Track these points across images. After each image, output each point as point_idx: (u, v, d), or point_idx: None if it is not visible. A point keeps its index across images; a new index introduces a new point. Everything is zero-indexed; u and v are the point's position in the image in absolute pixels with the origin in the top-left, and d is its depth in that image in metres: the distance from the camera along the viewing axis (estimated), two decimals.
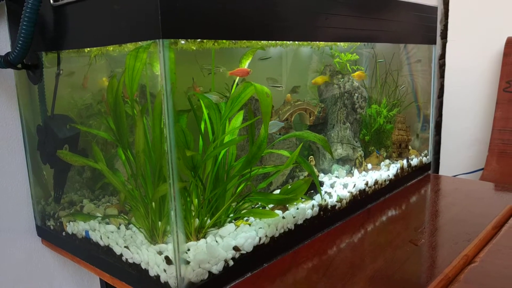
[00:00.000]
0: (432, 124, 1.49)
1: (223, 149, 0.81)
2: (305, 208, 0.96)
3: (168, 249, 0.71)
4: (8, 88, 0.96)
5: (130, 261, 0.77)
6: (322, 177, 1.19)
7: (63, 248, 0.96)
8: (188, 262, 0.71)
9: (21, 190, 1.00)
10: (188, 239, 0.79)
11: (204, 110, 0.84)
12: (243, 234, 0.82)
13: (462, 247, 0.91)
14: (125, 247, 0.78)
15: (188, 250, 0.74)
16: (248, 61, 0.98)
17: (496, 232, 0.99)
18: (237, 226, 0.85)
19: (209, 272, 0.74)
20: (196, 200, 0.81)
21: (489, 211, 1.11)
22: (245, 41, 0.74)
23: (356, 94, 1.26)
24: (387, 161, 1.36)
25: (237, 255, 0.79)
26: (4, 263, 0.98)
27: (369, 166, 1.29)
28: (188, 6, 0.63)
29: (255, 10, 0.73)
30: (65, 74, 0.86)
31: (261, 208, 0.91)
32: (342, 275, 0.82)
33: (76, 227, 0.90)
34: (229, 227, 0.83)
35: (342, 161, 1.26)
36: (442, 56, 2.29)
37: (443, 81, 2.31)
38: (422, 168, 1.45)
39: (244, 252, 0.80)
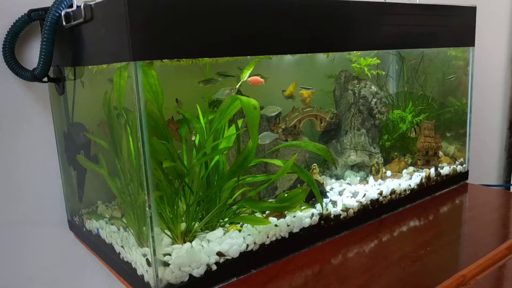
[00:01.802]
0: (468, 130, 1.39)
1: (206, 159, 0.85)
2: (303, 216, 0.97)
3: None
4: (43, 97, 1.09)
5: (125, 259, 0.85)
6: (332, 183, 1.19)
7: (84, 242, 1.07)
8: (168, 265, 0.77)
9: (55, 188, 1.13)
10: (174, 242, 0.85)
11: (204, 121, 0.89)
12: (229, 240, 0.85)
13: (464, 266, 0.86)
14: (121, 246, 0.86)
15: (171, 253, 0.80)
16: (249, 71, 1.01)
17: (510, 253, 0.92)
18: (226, 231, 0.89)
19: (190, 275, 0.79)
20: (185, 205, 0.86)
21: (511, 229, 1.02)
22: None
23: (375, 100, 1.22)
24: (411, 168, 1.30)
25: (221, 260, 0.83)
26: (41, 252, 1.11)
27: (388, 173, 1.25)
28: (159, 28, 0.68)
29: (232, 27, 0.76)
30: (79, 87, 0.96)
31: (254, 215, 0.94)
32: (327, 285, 0.83)
33: (92, 225, 1.00)
34: (217, 232, 0.87)
35: (358, 167, 1.23)
36: None
37: None
38: (456, 177, 1.37)
39: (230, 257, 0.84)
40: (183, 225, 0.86)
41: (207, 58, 0.76)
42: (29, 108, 1.07)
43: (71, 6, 0.88)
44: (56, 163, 1.13)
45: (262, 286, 0.84)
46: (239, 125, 0.95)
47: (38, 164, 1.09)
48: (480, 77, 2.06)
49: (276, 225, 0.92)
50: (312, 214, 0.99)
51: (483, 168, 2.26)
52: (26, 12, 0.99)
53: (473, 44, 1.32)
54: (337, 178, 1.24)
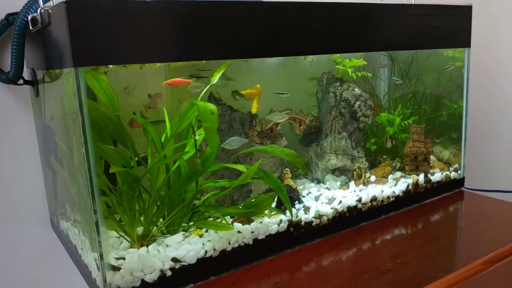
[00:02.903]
0: (464, 135, 1.32)
1: (161, 165, 0.84)
2: (270, 223, 0.95)
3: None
4: (26, 98, 1.11)
5: (84, 262, 0.86)
6: (311, 187, 1.16)
7: (60, 241, 1.09)
8: (118, 269, 0.77)
9: (39, 187, 1.15)
10: (132, 245, 0.84)
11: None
12: (186, 246, 0.84)
13: (431, 281, 0.82)
14: (81, 249, 0.87)
15: (125, 257, 0.80)
16: (219, 74, 0.99)
17: (486, 268, 0.87)
18: (187, 236, 0.88)
19: (142, 280, 0.79)
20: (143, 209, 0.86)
21: (496, 242, 0.96)
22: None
23: (358, 102, 1.18)
24: (398, 174, 1.25)
25: (177, 266, 0.82)
26: (25, 250, 1.14)
27: (373, 178, 1.21)
28: (100, 34, 0.67)
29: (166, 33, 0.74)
30: (47, 90, 0.97)
31: (218, 220, 0.93)
32: None
33: (63, 225, 1.02)
34: (176, 237, 0.87)
35: (340, 171, 1.20)
36: None
37: None
38: (449, 184, 1.31)
39: (186, 263, 0.83)
40: (141, 229, 0.85)
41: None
42: (12, 109, 1.09)
43: None
44: (38, 163, 1.15)
45: None
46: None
47: (21, 163, 1.12)
48: (503, 76, 1.95)
49: (239, 232, 0.90)
50: (281, 221, 0.96)
51: (504, 172, 2.15)
52: (4, 17, 1.01)
53: (468, 45, 1.26)
54: (319, 182, 1.21)
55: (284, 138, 1.18)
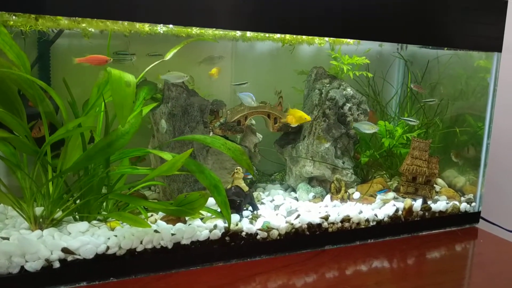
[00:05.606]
0: (484, 159, 1.07)
1: (63, 137, 0.73)
2: (199, 227, 0.80)
3: None
4: None
5: None
6: (277, 194, 0.99)
7: None
8: None
9: None
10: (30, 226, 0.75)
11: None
12: (84, 237, 0.72)
13: None
14: None
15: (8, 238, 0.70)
16: (175, 50, 0.87)
17: None
18: (92, 226, 0.76)
19: (22, 268, 0.68)
20: (52, 188, 0.76)
21: None
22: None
23: (349, 104, 0.98)
24: (391, 194, 1.03)
25: (69, 258, 0.71)
26: None
27: (357, 195, 1.01)
28: None
29: None
30: None
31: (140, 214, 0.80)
32: None
33: None
34: (81, 225, 0.75)
35: (318, 181, 1.01)
36: None
37: None
38: (458, 217, 1.07)
39: (81, 257, 0.71)
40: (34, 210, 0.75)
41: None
42: None
43: None
44: None
45: None
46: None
47: None
48: None
49: (156, 231, 0.77)
50: (215, 226, 0.81)
51: None
52: None
53: (498, 50, 1.01)
54: (293, 190, 1.03)
55: (257, 135, 1.03)
